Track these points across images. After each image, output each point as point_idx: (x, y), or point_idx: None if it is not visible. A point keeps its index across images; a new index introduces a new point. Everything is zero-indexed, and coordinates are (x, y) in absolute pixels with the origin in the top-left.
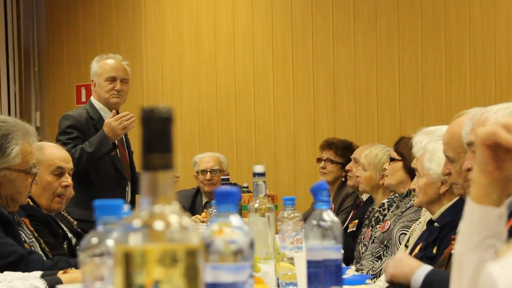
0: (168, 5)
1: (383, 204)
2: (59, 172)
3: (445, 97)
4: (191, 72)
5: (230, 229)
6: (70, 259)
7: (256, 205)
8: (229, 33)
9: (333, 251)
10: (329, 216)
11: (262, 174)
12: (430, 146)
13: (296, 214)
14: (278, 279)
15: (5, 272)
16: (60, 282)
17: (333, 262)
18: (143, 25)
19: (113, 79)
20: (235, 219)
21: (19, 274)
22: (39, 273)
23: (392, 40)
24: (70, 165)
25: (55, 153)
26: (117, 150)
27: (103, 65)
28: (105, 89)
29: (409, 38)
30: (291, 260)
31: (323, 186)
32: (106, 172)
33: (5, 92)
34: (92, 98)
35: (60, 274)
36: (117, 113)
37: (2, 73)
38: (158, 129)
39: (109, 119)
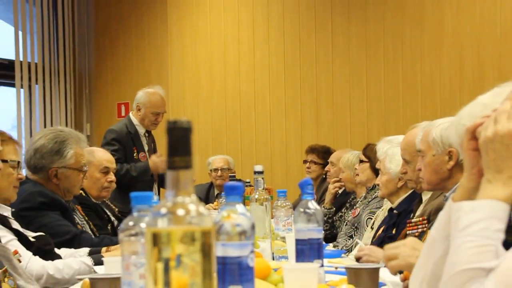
0: (188, 42)
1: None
2: (106, 171)
3: (402, 113)
4: (206, 94)
5: (236, 215)
6: (112, 237)
7: (256, 196)
8: (235, 64)
9: (316, 232)
10: (313, 205)
11: (261, 172)
12: (390, 151)
13: (287, 203)
14: (273, 253)
15: (62, 249)
16: (101, 260)
17: (316, 241)
18: (169, 59)
19: (157, 114)
20: (240, 207)
21: (72, 250)
22: (87, 249)
23: (361, 69)
24: (114, 165)
25: (103, 156)
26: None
27: (151, 100)
28: (149, 119)
29: (374, 67)
30: (283, 238)
31: (308, 182)
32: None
33: (63, 108)
34: (131, 115)
35: (103, 253)
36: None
37: (61, 93)
38: (180, 137)
39: (156, 158)
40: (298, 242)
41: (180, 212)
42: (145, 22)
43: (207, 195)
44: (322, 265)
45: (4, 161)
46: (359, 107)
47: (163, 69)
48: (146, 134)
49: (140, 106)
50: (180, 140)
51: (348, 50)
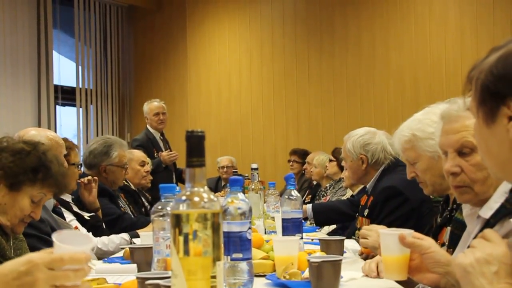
0: (202, 73)
1: (327, 187)
2: (143, 164)
3: (360, 124)
4: (215, 111)
5: (237, 200)
6: (146, 217)
7: (253, 186)
8: (237, 89)
9: (297, 213)
10: (295, 193)
11: (256, 169)
12: None
13: (275, 192)
14: (265, 229)
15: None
16: (138, 235)
17: (297, 220)
18: (188, 85)
19: (157, 114)
20: (240, 195)
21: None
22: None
23: (330, 93)
24: (148, 160)
25: (140, 153)
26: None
27: (150, 107)
28: (154, 121)
29: (340, 91)
30: (273, 218)
31: (291, 176)
32: (162, 171)
33: (110, 122)
34: (148, 126)
35: (139, 230)
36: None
37: (109, 111)
38: (196, 143)
39: (164, 153)
40: (284, 220)
41: (196, 198)
42: (171, 58)
43: (216, 186)
44: (302, 238)
45: (71, 164)
46: (328, 120)
47: (184, 92)
48: (161, 138)
49: (146, 115)
50: (196, 145)
51: (320, 79)
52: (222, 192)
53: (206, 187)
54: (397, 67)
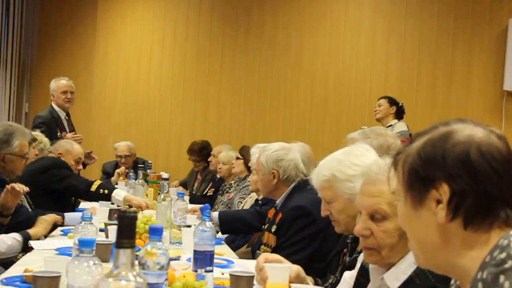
0: (111, 50)
1: (231, 184)
2: (78, 160)
3: (267, 121)
4: (122, 90)
5: (157, 252)
6: (45, 211)
7: (162, 196)
8: (147, 70)
9: (209, 246)
10: (209, 225)
11: (167, 179)
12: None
13: (183, 203)
14: (170, 239)
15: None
16: (29, 235)
17: (209, 252)
18: (94, 59)
19: (65, 92)
20: (160, 245)
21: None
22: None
23: (239, 85)
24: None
25: (79, 151)
26: None
27: (58, 84)
28: (61, 99)
29: (251, 85)
30: (179, 227)
31: (207, 208)
32: None
33: (7, 89)
34: (52, 103)
35: (29, 230)
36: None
37: (7, 77)
38: (127, 224)
39: (69, 135)
40: (196, 252)
41: (122, 282)
42: (78, 29)
43: (115, 168)
44: (212, 271)
45: None
46: (237, 113)
47: (90, 67)
48: (67, 117)
49: (53, 93)
50: (127, 226)
51: (232, 69)
52: (122, 168)
53: (131, 271)
54: (309, 66)
